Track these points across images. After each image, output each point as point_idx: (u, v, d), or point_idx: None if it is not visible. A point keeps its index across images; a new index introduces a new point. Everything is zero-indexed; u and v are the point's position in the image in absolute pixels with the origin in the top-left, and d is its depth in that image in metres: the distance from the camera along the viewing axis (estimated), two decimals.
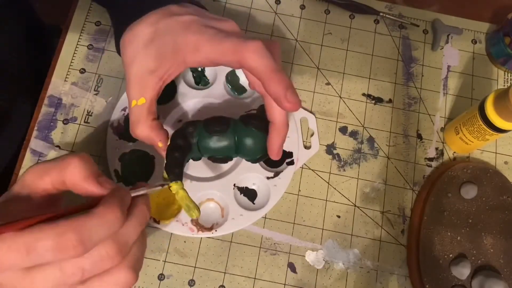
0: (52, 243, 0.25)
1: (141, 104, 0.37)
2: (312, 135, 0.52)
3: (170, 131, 0.50)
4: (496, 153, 0.53)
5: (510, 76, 0.57)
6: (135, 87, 0.37)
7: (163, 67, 0.36)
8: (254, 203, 0.49)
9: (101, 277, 0.28)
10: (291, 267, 0.48)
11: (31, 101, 0.53)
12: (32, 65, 0.59)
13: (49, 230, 0.25)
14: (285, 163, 0.50)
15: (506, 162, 0.53)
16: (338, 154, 0.52)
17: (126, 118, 0.49)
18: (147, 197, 0.32)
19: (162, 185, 0.35)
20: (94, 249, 0.26)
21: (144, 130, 0.37)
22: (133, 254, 0.29)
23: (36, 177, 0.30)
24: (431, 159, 0.53)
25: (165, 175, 0.37)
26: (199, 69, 0.52)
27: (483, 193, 0.49)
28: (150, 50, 0.36)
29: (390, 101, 0.54)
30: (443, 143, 0.53)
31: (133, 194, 0.31)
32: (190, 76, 0.52)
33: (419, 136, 0.53)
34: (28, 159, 0.48)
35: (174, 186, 0.37)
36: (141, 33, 0.36)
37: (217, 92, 0.51)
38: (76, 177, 0.30)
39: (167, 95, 0.50)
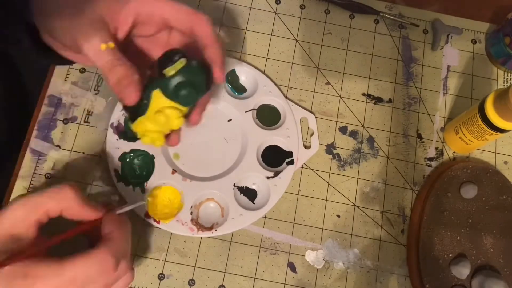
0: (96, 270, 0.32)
1: (112, 48, 0.35)
2: (312, 134, 0.52)
3: None
4: (496, 153, 0.53)
5: (510, 76, 0.57)
6: (94, 32, 0.35)
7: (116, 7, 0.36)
8: (254, 203, 0.49)
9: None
10: (291, 266, 0.48)
11: (27, 101, 0.53)
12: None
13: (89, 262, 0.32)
14: (285, 163, 0.50)
15: (506, 162, 0.53)
16: (338, 154, 0.52)
17: (126, 118, 0.49)
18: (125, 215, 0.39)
19: (144, 199, 0.43)
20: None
21: (127, 67, 0.36)
22: (127, 269, 0.35)
23: (28, 212, 0.32)
24: (431, 159, 0.53)
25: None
26: None
27: (483, 193, 0.49)
28: None
29: (390, 101, 0.54)
30: (443, 143, 0.53)
31: (118, 212, 0.38)
32: None
33: (419, 136, 0.53)
34: (28, 159, 0.48)
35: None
36: None
37: (217, 92, 0.51)
38: (74, 206, 0.34)
39: None
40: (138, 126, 0.39)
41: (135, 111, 0.38)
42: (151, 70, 0.41)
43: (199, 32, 0.37)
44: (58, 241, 0.33)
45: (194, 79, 0.37)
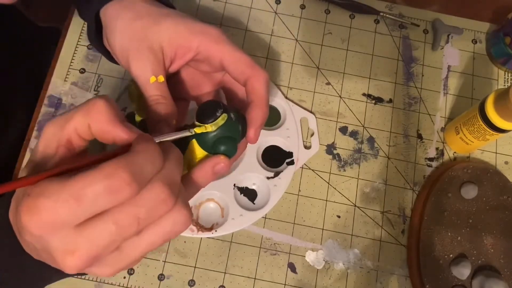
0: (104, 185, 0.23)
1: (161, 82, 0.35)
2: (312, 135, 0.52)
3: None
4: (496, 153, 0.53)
5: (510, 76, 0.57)
6: (148, 63, 0.35)
7: (178, 44, 0.35)
8: (254, 203, 0.48)
9: (157, 224, 0.26)
10: (291, 267, 0.48)
11: (27, 102, 0.53)
12: (28, 66, 0.59)
13: (96, 174, 0.23)
14: (285, 163, 0.50)
15: (506, 162, 0.53)
16: (338, 154, 0.52)
17: (126, 118, 0.49)
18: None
19: (189, 129, 0.33)
20: (146, 194, 0.25)
21: (169, 108, 0.35)
22: (183, 193, 0.27)
23: (57, 127, 0.27)
24: (431, 159, 0.52)
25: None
26: None
27: (483, 193, 0.49)
28: (171, 24, 0.35)
29: (390, 101, 0.54)
30: (443, 143, 0.53)
31: (157, 140, 0.29)
32: None
33: (419, 136, 0.53)
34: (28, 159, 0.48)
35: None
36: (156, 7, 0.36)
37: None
38: (103, 119, 0.27)
39: None
40: None
41: None
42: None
43: (252, 88, 0.36)
44: (74, 167, 0.26)
45: (232, 133, 0.36)
